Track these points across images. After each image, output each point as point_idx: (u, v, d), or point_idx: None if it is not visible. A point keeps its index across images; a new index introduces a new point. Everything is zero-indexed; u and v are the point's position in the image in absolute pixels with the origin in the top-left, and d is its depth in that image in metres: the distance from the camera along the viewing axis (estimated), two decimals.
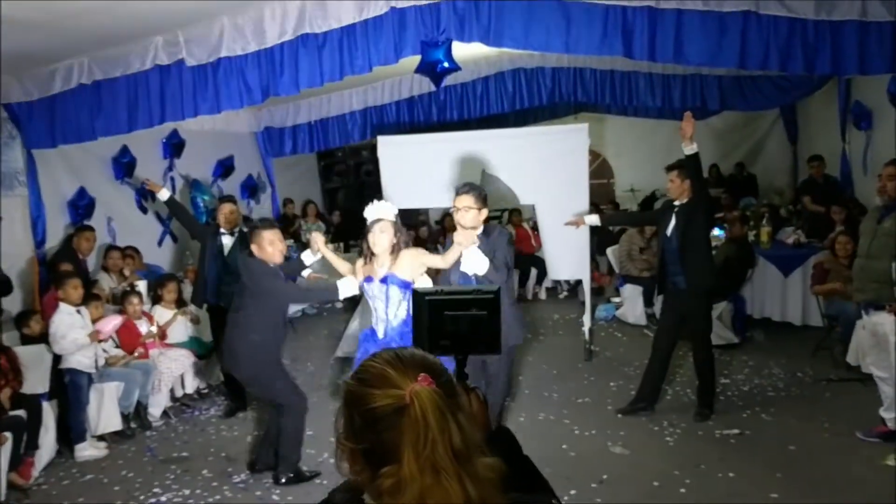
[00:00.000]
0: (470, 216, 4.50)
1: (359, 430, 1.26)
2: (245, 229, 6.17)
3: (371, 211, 4.45)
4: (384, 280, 4.40)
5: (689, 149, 4.97)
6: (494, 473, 1.26)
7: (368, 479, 1.26)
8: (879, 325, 4.52)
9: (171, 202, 6.63)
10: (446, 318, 1.62)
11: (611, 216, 6.20)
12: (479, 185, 5.17)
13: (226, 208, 6.32)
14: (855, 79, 8.17)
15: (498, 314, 1.66)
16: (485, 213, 4.62)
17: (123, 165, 7.53)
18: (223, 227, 6.24)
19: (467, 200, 4.51)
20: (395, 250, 4.42)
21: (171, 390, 6.22)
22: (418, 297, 1.66)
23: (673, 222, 5.31)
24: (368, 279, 4.49)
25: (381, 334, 4.49)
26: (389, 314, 4.46)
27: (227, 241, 6.22)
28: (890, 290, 4.35)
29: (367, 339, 4.62)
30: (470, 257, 4.40)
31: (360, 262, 4.61)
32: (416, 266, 4.49)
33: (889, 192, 4.37)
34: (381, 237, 4.38)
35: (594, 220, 6.26)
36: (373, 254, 4.45)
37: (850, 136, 8.85)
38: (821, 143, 9.71)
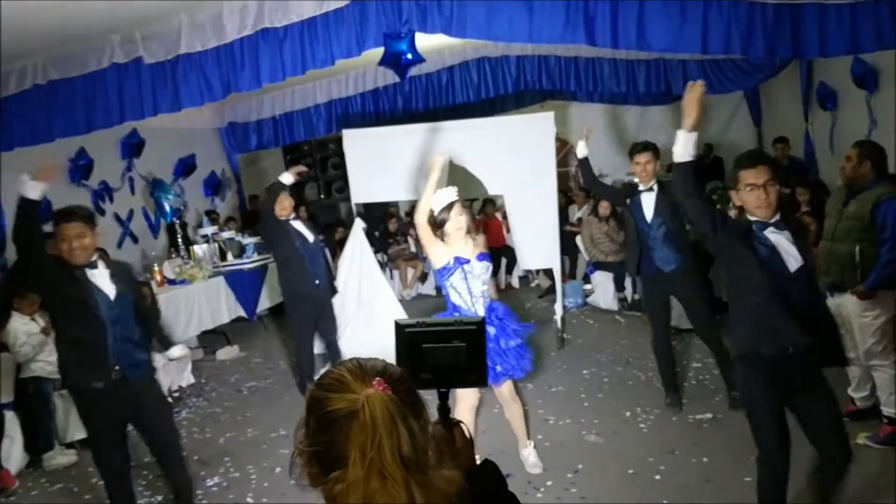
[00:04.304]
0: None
1: (313, 433, 1.26)
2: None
3: (442, 198, 4.32)
4: (481, 257, 4.35)
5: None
6: (452, 488, 1.24)
7: (322, 485, 1.25)
8: (843, 306, 4.55)
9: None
10: (425, 351, 1.57)
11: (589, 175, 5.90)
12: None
13: (284, 199, 6.07)
14: (818, 60, 8.25)
15: (482, 345, 1.60)
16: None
17: (80, 167, 7.39)
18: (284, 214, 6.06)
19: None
20: (472, 229, 4.43)
21: None
22: (399, 329, 1.60)
23: (653, 207, 5.20)
24: (463, 260, 4.33)
25: (481, 311, 4.33)
26: (486, 292, 4.41)
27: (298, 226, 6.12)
28: (853, 273, 4.38)
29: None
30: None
31: (437, 247, 4.36)
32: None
33: (858, 175, 4.39)
34: (460, 219, 4.31)
35: (582, 147, 5.77)
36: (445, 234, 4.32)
37: (813, 117, 8.95)
38: (784, 124, 9.81)
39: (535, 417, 5.42)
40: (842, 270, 4.46)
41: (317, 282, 6.08)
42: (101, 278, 3.68)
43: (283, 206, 6.01)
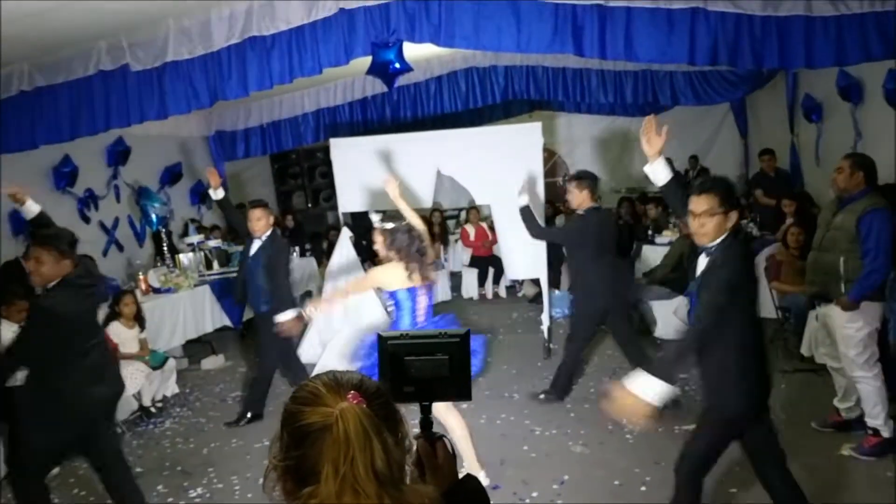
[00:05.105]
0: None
1: (287, 447, 1.24)
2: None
3: None
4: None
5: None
6: (427, 503, 1.23)
7: (296, 500, 1.23)
8: (829, 317, 4.57)
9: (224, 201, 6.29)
10: (408, 364, 1.54)
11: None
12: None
13: (254, 213, 5.87)
14: (803, 72, 8.32)
15: (466, 359, 1.58)
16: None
17: (65, 175, 7.33)
18: (253, 233, 5.90)
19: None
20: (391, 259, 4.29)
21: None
22: (381, 340, 1.57)
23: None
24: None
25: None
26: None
27: (254, 244, 5.92)
28: (838, 283, 4.39)
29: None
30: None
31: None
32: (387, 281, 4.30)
33: (850, 185, 4.42)
34: (375, 247, 4.34)
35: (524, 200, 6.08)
36: None
37: (798, 129, 9.01)
38: (770, 136, 9.87)
39: (521, 428, 5.40)
40: (827, 280, 4.47)
41: (260, 309, 5.95)
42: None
43: (252, 223, 5.85)
